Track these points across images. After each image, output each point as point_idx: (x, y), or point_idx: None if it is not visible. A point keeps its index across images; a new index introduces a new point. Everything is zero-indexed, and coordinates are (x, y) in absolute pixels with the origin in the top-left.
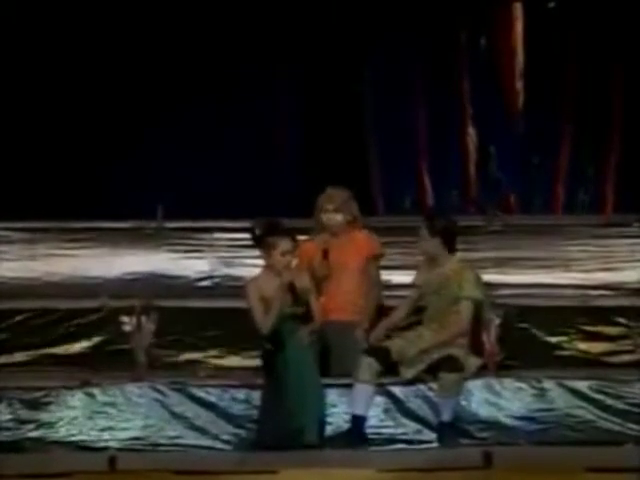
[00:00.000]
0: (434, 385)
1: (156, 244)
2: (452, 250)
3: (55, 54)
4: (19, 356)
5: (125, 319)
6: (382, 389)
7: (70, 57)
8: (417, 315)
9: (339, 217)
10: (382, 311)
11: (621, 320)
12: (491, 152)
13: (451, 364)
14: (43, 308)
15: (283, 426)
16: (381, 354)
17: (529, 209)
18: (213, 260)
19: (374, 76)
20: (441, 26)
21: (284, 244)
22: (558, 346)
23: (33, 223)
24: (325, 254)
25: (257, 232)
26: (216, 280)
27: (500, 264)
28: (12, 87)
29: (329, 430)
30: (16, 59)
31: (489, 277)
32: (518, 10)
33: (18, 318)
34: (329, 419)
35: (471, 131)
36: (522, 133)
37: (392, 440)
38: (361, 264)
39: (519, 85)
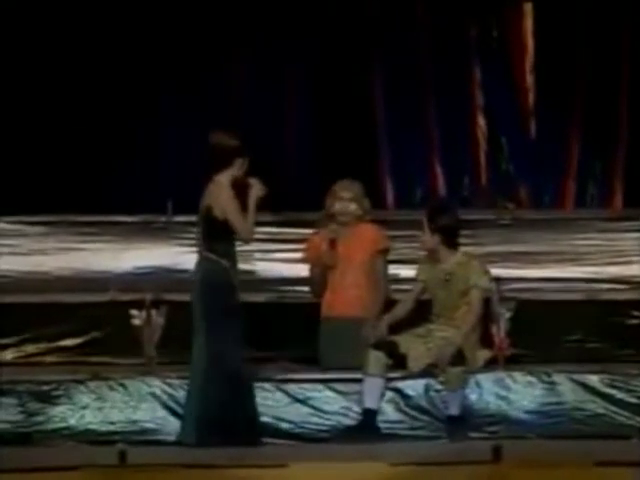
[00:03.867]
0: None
1: (166, 238)
2: (454, 246)
3: (64, 47)
4: (29, 349)
5: (135, 313)
6: (391, 383)
7: (79, 49)
8: (426, 311)
9: (353, 207)
10: (390, 306)
11: (631, 313)
12: (502, 144)
13: (454, 357)
14: (53, 302)
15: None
16: (388, 348)
17: (539, 204)
18: None
19: (383, 68)
20: (452, 17)
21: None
22: (568, 340)
23: (43, 217)
24: (332, 243)
25: (231, 143)
26: None
27: (509, 258)
28: (22, 82)
29: (340, 424)
30: (25, 52)
31: (498, 271)
32: (528, 6)
33: (28, 312)
34: (341, 414)
35: (481, 123)
36: (532, 128)
37: (402, 434)
38: (367, 258)
39: (530, 80)
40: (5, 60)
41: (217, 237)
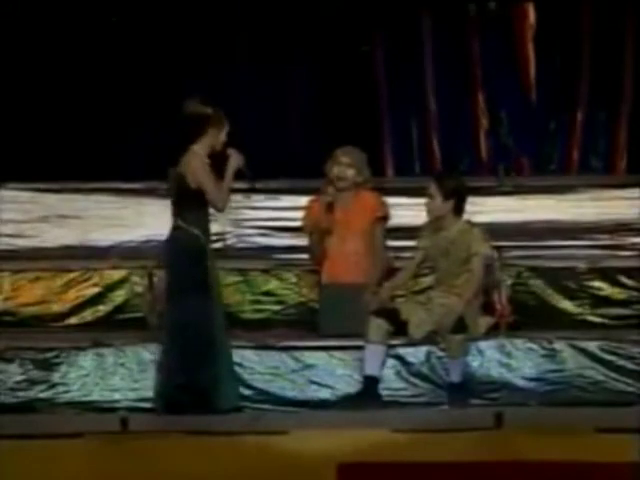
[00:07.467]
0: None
1: (168, 205)
2: (460, 212)
3: (73, 15)
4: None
5: (137, 280)
6: (393, 350)
7: (86, 18)
8: (428, 278)
9: (350, 172)
10: (391, 274)
11: (632, 281)
12: (502, 116)
13: (455, 324)
14: (55, 269)
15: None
16: (390, 315)
17: (543, 174)
18: (224, 221)
19: (384, 39)
20: None
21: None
22: (569, 307)
23: (46, 184)
24: (330, 207)
25: (205, 111)
26: (227, 242)
27: (511, 225)
28: (27, 47)
29: (341, 391)
30: (35, 18)
31: (500, 238)
32: None
33: (30, 278)
34: (343, 381)
35: (481, 96)
36: (535, 98)
37: (403, 401)
38: (366, 225)
39: (531, 50)
40: (15, 24)
41: (188, 206)
